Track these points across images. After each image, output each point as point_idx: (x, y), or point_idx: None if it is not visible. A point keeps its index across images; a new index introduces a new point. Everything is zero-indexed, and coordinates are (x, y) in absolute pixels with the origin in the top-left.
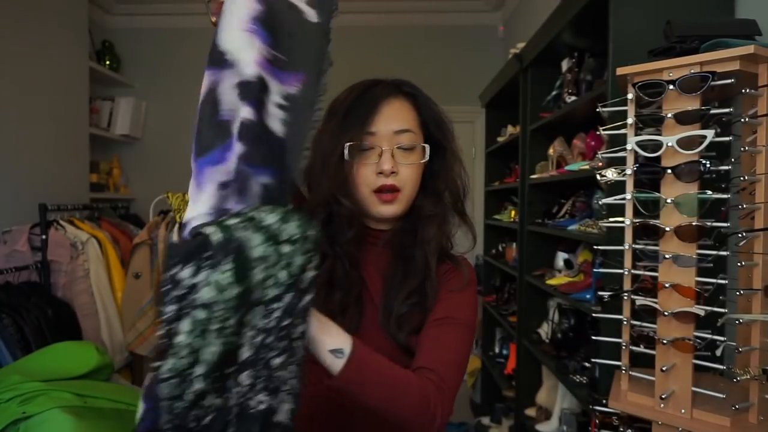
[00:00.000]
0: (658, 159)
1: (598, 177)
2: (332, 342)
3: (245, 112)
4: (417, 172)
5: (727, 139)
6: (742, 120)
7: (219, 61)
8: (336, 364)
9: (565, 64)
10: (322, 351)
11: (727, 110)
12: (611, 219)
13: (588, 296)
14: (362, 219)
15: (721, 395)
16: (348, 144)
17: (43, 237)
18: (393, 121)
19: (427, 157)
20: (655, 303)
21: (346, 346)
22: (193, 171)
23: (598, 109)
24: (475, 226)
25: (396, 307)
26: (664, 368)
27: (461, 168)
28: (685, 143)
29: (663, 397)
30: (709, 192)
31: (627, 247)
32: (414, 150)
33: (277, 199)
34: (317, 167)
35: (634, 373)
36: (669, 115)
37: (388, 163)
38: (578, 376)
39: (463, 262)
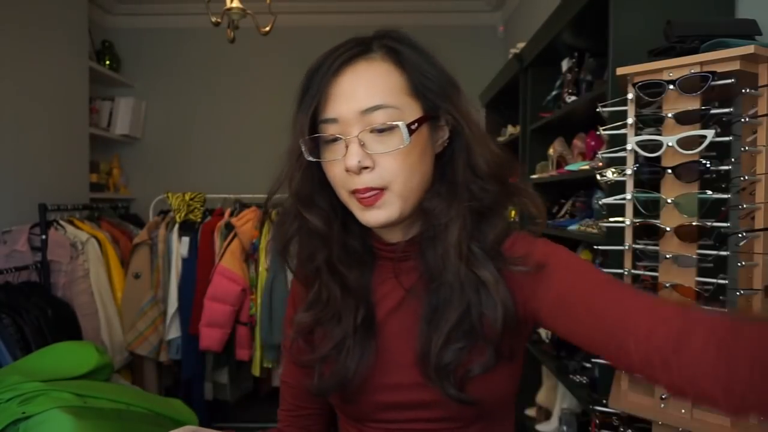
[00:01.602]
0: (658, 159)
1: (598, 177)
2: None
3: None
4: (409, 161)
5: (727, 139)
6: (742, 120)
7: None
8: None
9: (565, 64)
10: None
11: (727, 110)
12: (611, 219)
13: None
14: (346, 235)
15: None
16: (302, 141)
17: (43, 237)
18: (358, 96)
19: (408, 141)
20: None
21: None
22: None
23: (598, 109)
24: None
25: (434, 353)
26: None
27: (485, 140)
28: (685, 143)
29: (663, 397)
30: (709, 192)
31: (627, 247)
32: (394, 131)
33: None
34: (285, 172)
35: None
36: (669, 115)
37: (353, 158)
38: (578, 376)
39: (520, 239)
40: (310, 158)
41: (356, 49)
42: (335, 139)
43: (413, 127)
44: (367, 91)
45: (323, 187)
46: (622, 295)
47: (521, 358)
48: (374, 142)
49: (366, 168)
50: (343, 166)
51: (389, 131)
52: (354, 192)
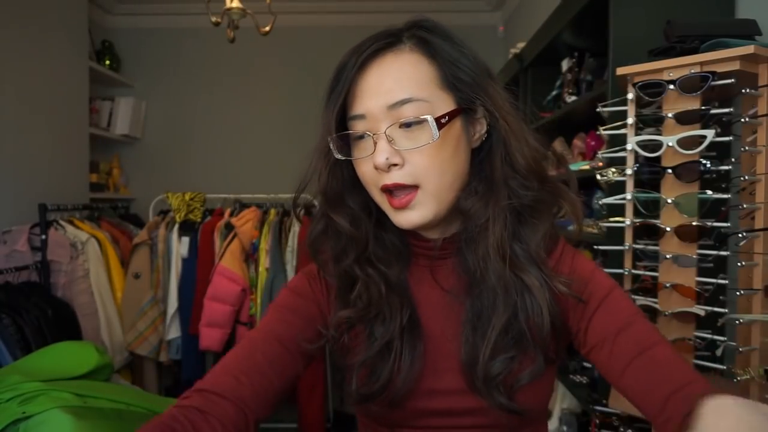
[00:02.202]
0: (658, 159)
1: (598, 177)
2: None
3: None
4: (440, 157)
5: (727, 139)
6: (742, 120)
7: None
8: None
9: (565, 64)
10: None
11: (727, 110)
12: (611, 219)
13: None
14: (367, 232)
15: None
16: (330, 138)
17: (43, 237)
18: (385, 91)
19: (437, 136)
20: (656, 303)
21: None
22: None
23: (598, 109)
24: None
25: (482, 362)
26: None
27: (523, 131)
28: (685, 143)
29: None
30: (709, 192)
31: (627, 247)
32: (423, 126)
33: None
34: (308, 174)
35: None
36: (669, 115)
37: (381, 155)
38: (578, 376)
39: (566, 252)
40: (339, 156)
41: (384, 42)
42: (363, 136)
43: (443, 120)
44: (394, 85)
45: (354, 186)
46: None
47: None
48: (403, 138)
49: (395, 165)
50: (372, 164)
51: (418, 126)
52: (384, 189)
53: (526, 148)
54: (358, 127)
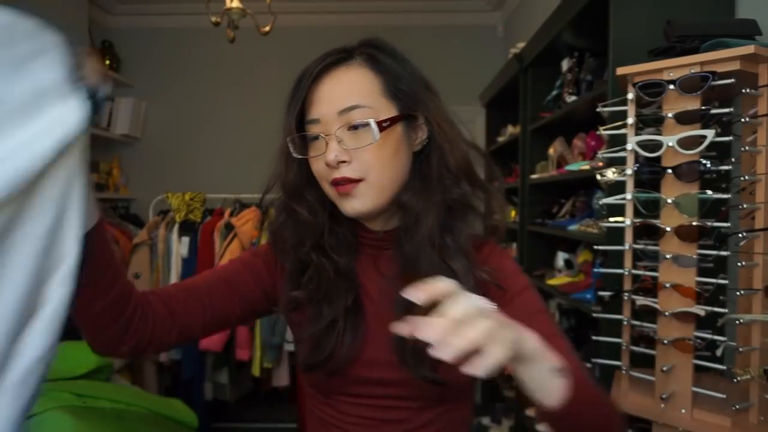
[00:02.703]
0: (658, 159)
1: (598, 177)
2: (554, 358)
3: None
4: (382, 155)
5: (727, 139)
6: (742, 120)
7: None
8: (557, 388)
9: (565, 64)
10: (541, 372)
11: (727, 110)
12: (611, 219)
13: (588, 296)
14: (334, 224)
15: (721, 395)
16: (289, 138)
17: None
18: (336, 98)
19: (377, 137)
20: (655, 303)
21: (558, 360)
22: None
23: (598, 109)
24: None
25: (412, 339)
26: (664, 368)
27: (457, 137)
28: (686, 143)
29: (663, 397)
30: (709, 192)
31: (627, 247)
32: (367, 128)
33: None
34: (277, 168)
35: (634, 373)
36: (669, 115)
37: (331, 153)
38: None
39: (495, 251)
40: (297, 155)
41: (337, 56)
42: (318, 137)
43: (385, 124)
44: (344, 93)
45: (311, 182)
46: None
47: None
48: (350, 139)
49: (344, 162)
50: (324, 161)
51: (363, 128)
52: (333, 182)
53: (458, 152)
54: (313, 129)
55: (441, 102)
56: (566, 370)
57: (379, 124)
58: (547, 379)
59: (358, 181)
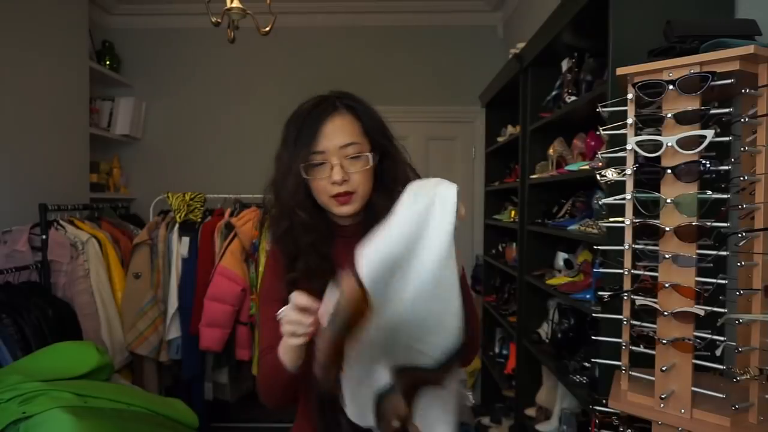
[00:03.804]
0: (658, 159)
1: (598, 177)
2: None
3: None
4: (367, 175)
5: (727, 139)
6: (742, 120)
7: None
8: None
9: (565, 64)
10: None
11: (727, 110)
12: (611, 219)
13: (588, 296)
14: (320, 223)
15: (721, 395)
16: (302, 165)
17: (43, 237)
18: (337, 137)
19: (372, 163)
20: (655, 303)
21: None
22: None
23: (598, 109)
24: (475, 226)
25: None
26: (664, 368)
27: (407, 161)
28: (685, 143)
29: (663, 397)
30: (709, 192)
31: (627, 247)
32: (360, 157)
33: None
34: (279, 184)
35: (634, 373)
36: (669, 115)
37: (338, 175)
38: (578, 376)
39: None
40: (306, 177)
41: (331, 107)
42: (323, 163)
43: (373, 155)
44: (342, 134)
45: (308, 194)
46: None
47: None
48: (348, 165)
49: (345, 181)
50: (327, 181)
51: (358, 157)
52: (334, 196)
53: (402, 168)
54: (318, 158)
55: (391, 133)
56: None
57: (371, 154)
58: None
59: (352, 193)
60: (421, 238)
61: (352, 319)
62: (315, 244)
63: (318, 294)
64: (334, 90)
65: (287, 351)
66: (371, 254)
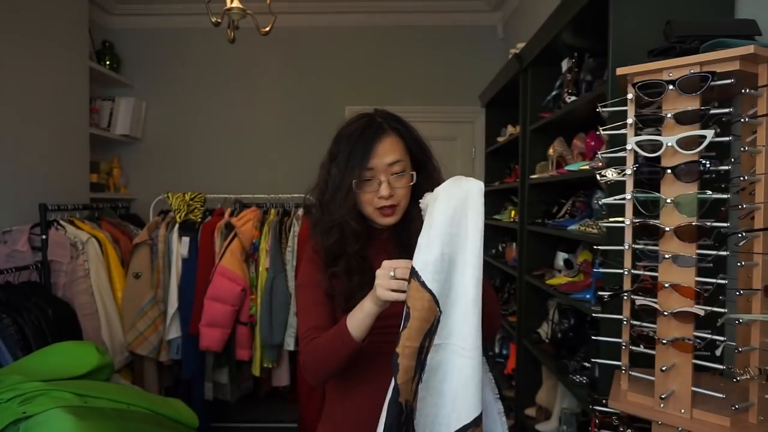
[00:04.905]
0: (658, 159)
1: (598, 177)
2: None
3: None
4: (408, 189)
5: (727, 139)
6: (742, 120)
7: None
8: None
9: (565, 64)
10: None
11: (727, 110)
12: (611, 219)
13: (588, 296)
14: (365, 230)
15: (721, 395)
16: (354, 181)
17: (44, 237)
18: (386, 156)
19: (414, 180)
20: (655, 303)
21: None
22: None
23: (598, 109)
24: None
25: None
26: (663, 368)
27: (440, 175)
28: (685, 143)
29: (663, 397)
30: (709, 192)
31: (627, 247)
32: (404, 174)
33: None
34: (329, 195)
35: (634, 373)
36: (669, 115)
37: (386, 190)
38: (578, 376)
39: None
40: (356, 191)
41: (381, 127)
42: (372, 179)
43: (414, 173)
44: (390, 153)
45: (354, 206)
46: None
47: None
48: (394, 181)
49: (391, 196)
50: (374, 195)
51: (402, 174)
52: (380, 208)
53: (440, 181)
54: (367, 174)
55: (430, 151)
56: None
57: (414, 173)
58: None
59: (395, 206)
60: (459, 236)
61: (424, 322)
62: (360, 249)
63: (355, 287)
64: (378, 109)
65: (367, 317)
66: (427, 257)
